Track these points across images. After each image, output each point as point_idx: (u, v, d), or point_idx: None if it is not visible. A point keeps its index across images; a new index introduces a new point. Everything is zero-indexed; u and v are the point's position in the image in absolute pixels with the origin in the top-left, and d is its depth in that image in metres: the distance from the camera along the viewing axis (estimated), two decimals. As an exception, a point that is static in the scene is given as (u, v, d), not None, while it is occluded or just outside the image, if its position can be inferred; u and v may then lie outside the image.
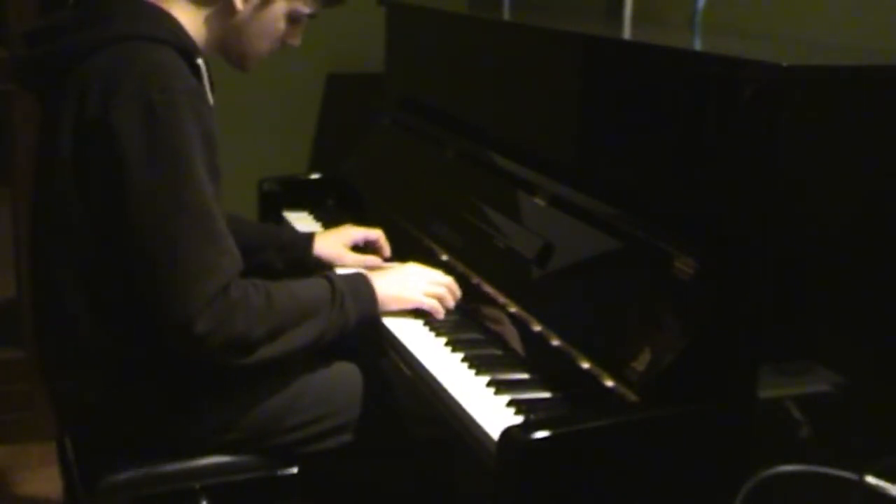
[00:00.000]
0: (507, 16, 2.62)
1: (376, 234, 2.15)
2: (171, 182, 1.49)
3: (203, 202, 1.51)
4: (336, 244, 2.11)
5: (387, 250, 2.15)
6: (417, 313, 1.84)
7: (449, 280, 1.87)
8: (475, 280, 1.87)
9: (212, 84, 1.66)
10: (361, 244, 2.14)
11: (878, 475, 1.29)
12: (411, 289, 1.82)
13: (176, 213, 1.49)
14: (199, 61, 1.61)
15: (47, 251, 1.65)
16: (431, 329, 1.78)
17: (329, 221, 2.41)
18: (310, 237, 2.12)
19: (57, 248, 1.62)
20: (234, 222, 1.99)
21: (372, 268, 2.02)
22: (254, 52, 1.75)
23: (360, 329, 1.77)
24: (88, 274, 1.59)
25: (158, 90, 1.49)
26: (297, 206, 2.53)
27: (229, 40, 1.71)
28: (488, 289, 1.82)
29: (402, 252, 2.13)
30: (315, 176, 2.64)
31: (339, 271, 1.93)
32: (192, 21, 1.65)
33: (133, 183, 1.49)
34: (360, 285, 1.75)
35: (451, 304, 1.85)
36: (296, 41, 1.80)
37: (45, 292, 1.68)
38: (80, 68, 1.54)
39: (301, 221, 2.44)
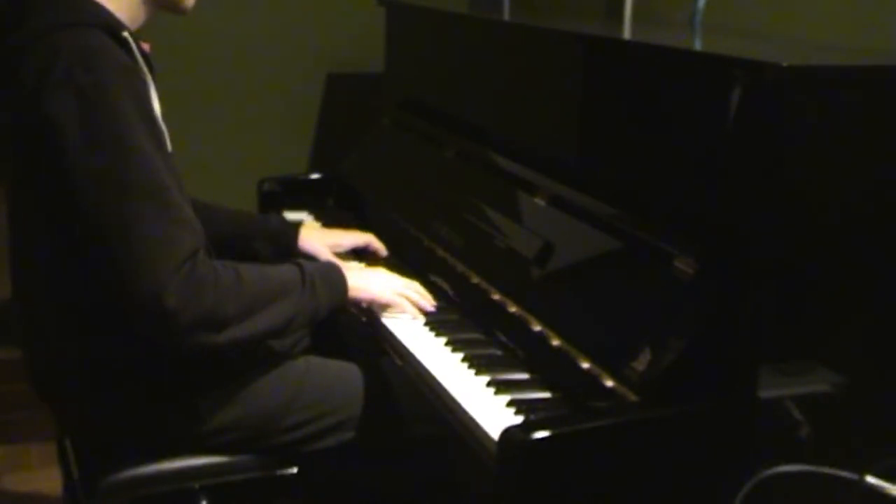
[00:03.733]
0: (507, 16, 2.62)
1: (365, 240, 2.15)
2: (114, 162, 1.48)
3: (151, 177, 1.50)
4: (320, 241, 2.11)
5: (382, 251, 2.15)
6: (417, 313, 1.84)
7: (417, 285, 1.88)
8: (475, 280, 1.87)
9: (145, 57, 1.64)
10: (348, 251, 2.14)
11: (878, 475, 1.29)
12: (382, 286, 1.82)
13: (124, 193, 1.47)
14: (125, 35, 1.58)
15: (21, 256, 1.65)
16: (431, 329, 1.78)
17: (329, 221, 2.41)
18: (297, 227, 2.13)
19: (28, 253, 1.62)
20: (221, 213, 2.00)
21: None
22: None
23: (359, 329, 1.77)
24: (60, 276, 1.58)
25: (86, 71, 1.48)
26: (297, 206, 2.53)
27: None
28: (488, 289, 1.82)
29: (403, 252, 2.13)
30: (315, 176, 2.64)
31: None
32: None
33: (76, 170, 1.48)
34: (331, 273, 1.74)
35: (426, 306, 1.85)
36: None
37: (25, 297, 1.68)
38: (12, 69, 1.54)
39: (301, 221, 2.44)
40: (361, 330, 1.88)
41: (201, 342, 1.52)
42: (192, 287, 1.48)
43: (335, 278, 1.74)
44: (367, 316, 1.84)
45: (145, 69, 1.61)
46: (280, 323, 1.62)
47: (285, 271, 1.67)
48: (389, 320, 1.81)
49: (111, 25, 1.57)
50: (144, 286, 1.46)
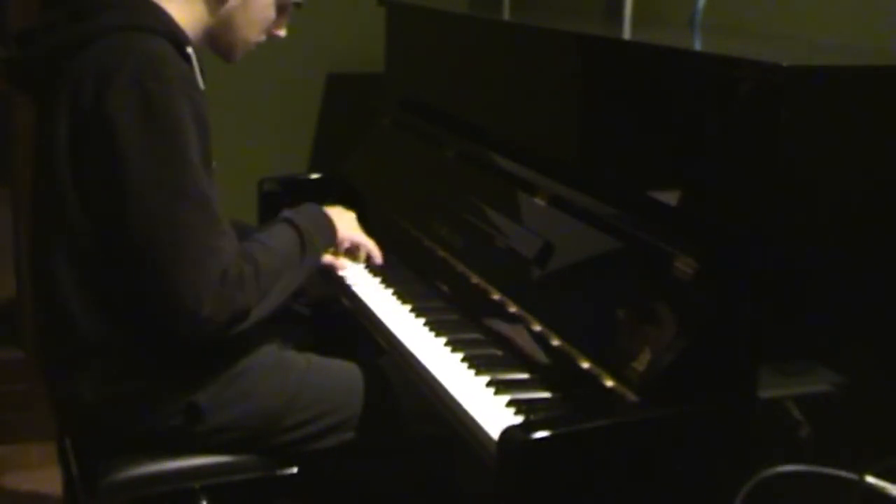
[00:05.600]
0: (507, 16, 2.61)
1: (366, 240, 2.13)
2: (171, 169, 1.50)
3: (201, 188, 1.53)
4: None
5: (378, 259, 2.10)
6: (417, 312, 1.84)
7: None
8: (475, 280, 1.86)
9: (202, 72, 1.67)
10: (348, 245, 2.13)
11: (878, 475, 1.29)
12: (354, 226, 2.01)
13: (176, 199, 1.50)
14: (189, 50, 1.61)
15: (47, 249, 1.65)
16: (431, 329, 1.78)
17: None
18: None
19: (56, 246, 1.62)
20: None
21: None
22: (242, 43, 1.76)
23: (359, 329, 1.77)
24: (87, 272, 1.59)
25: (153, 78, 1.50)
26: (297, 206, 2.52)
27: (218, 31, 1.72)
28: (488, 289, 1.81)
29: (402, 252, 2.13)
30: (315, 176, 2.64)
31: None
32: (180, 12, 1.65)
33: (133, 172, 1.49)
34: (320, 222, 1.88)
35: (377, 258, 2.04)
36: (282, 31, 1.83)
37: (45, 291, 1.68)
38: (72, 62, 1.55)
39: (301, 221, 2.43)
40: (362, 330, 1.88)
41: (228, 334, 1.58)
42: (227, 293, 1.53)
43: (326, 227, 1.91)
44: (351, 299, 1.89)
45: (201, 83, 1.63)
46: (289, 292, 1.70)
47: (288, 242, 1.75)
48: (390, 320, 1.81)
49: (178, 39, 1.58)
50: (185, 296, 1.50)
